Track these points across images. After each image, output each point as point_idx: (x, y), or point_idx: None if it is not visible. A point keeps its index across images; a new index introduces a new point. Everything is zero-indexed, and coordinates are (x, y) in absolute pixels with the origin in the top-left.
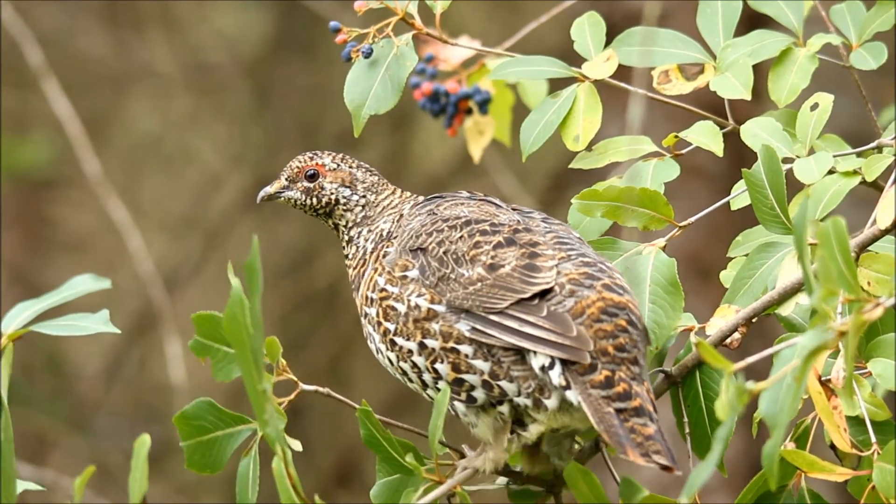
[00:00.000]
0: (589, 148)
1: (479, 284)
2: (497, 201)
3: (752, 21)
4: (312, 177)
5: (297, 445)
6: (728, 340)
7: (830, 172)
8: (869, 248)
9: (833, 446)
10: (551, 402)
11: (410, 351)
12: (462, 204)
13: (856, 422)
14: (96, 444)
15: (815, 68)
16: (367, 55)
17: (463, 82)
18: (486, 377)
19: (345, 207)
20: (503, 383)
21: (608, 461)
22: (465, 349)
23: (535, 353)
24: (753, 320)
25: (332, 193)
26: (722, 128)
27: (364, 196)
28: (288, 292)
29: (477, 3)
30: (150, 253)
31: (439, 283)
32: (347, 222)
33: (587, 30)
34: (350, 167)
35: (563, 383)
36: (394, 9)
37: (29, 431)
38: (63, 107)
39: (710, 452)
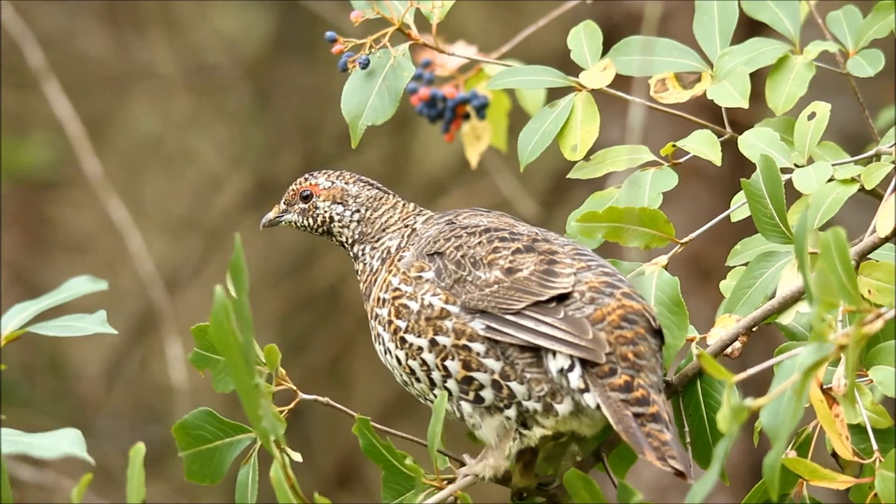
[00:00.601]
0: (587, 158)
1: (496, 286)
2: (514, 218)
3: (748, 28)
4: (307, 198)
5: (297, 456)
6: (729, 350)
7: (829, 180)
8: (869, 256)
9: (835, 454)
10: (563, 407)
11: (420, 348)
12: (480, 215)
13: (857, 430)
14: (97, 446)
15: (812, 76)
16: (364, 66)
17: (460, 87)
18: (496, 377)
19: (340, 224)
20: (513, 384)
21: (608, 468)
22: (478, 347)
23: (553, 354)
24: (753, 329)
25: (325, 211)
26: (720, 136)
27: (358, 211)
28: (288, 293)
29: (477, 4)
30: (150, 254)
31: (455, 285)
32: (347, 239)
33: (583, 39)
34: (344, 183)
35: (582, 385)
36: (390, 19)
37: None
38: (63, 107)
39: (710, 467)
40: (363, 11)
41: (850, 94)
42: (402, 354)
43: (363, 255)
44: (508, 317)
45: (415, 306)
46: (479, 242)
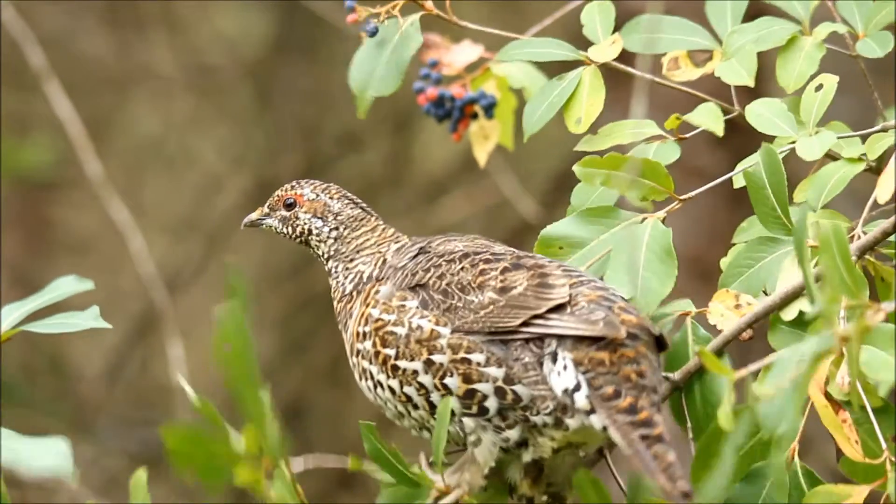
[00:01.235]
0: (593, 132)
1: (491, 307)
2: (488, 240)
3: (758, 15)
4: (290, 206)
5: (299, 464)
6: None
7: (835, 159)
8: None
9: (838, 458)
10: (573, 422)
11: (415, 372)
12: (454, 241)
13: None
14: (98, 446)
15: (822, 55)
16: (373, 34)
17: (467, 86)
18: (499, 383)
19: (317, 238)
20: (518, 388)
21: (612, 467)
22: (478, 357)
23: (558, 374)
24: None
25: (305, 224)
26: (727, 113)
27: (336, 228)
28: (289, 294)
29: (479, 4)
30: (151, 254)
31: (445, 313)
32: (323, 253)
33: (597, 15)
34: (329, 198)
35: (588, 407)
36: None
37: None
38: (64, 108)
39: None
40: None
41: (857, 93)
42: (395, 383)
43: (336, 272)
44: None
45: (402, 331)
46: (462, 268)
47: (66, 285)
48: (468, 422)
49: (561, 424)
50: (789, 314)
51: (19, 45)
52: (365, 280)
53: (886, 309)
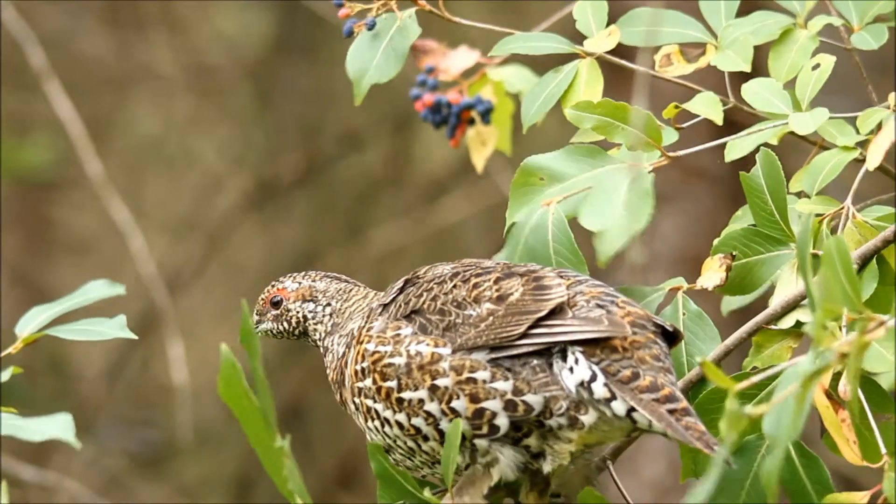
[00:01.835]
0: None
1: (491, 319)
2: (475, 259)
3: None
4: (277, 304)
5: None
6: (710, 286)
7: (828, 149)
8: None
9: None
10: (588, 418)
11: (421, 401)
12: (440, 265)
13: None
14: (98, 446)
15: (815, 47)
16: (371, 27)
17: (464, 92)
18: (509, 396)
19: (314, 321)
20: (528, 397)
21: (615, 478)
22: (483, 374)
23: (571, 370)
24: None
25: (297, 312)
26: (723, 105)
27: (329, 304)
28: None
29: (478, 5)
30: (152, 254)
31: (445, 332)
32: (320, 334)
33: (589, 10)
34: (311, 281)
35: (608, 395)
36: None
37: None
38: (65, 108)
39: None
40: None
41: (853, 94)
42: (402, 417)
43: (332, 345)
44: (513, 344)
45: (401, 360)
46: (455, 286)
47: (96, 289)
48: (481, 443)
49: (576, 423)
50: (786, 323)
51: (19, 45)
52: (356, 334)
53: (888, 324)
